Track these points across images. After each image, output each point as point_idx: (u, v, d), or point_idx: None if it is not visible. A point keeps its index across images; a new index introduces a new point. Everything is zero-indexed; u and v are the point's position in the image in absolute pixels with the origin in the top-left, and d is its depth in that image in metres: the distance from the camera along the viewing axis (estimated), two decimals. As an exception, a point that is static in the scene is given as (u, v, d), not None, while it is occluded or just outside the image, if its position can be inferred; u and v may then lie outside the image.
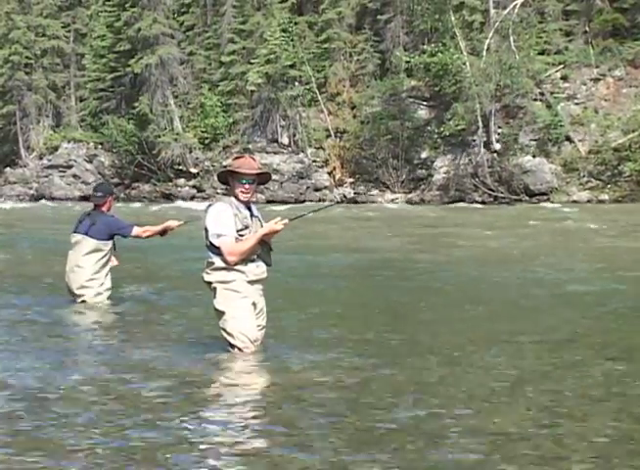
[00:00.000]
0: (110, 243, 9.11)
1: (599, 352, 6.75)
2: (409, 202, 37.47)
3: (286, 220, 6.15)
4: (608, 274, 12.30)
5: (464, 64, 36.41)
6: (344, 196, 39.61)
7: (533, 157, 35.77)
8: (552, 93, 37.02)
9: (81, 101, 50.97)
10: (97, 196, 9.22)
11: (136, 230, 9.12)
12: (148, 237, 9.24)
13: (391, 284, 11.60)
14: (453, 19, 37.13)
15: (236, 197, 6.19)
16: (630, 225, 22.17)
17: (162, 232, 9.16)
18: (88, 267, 9.02)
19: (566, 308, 9.16)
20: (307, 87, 42.31)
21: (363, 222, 26.03)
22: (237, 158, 6.33)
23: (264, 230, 6.10)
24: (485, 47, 36.74)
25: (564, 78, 37.80)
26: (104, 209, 9.18)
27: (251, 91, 43.17)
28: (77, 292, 9.05)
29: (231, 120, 44.56)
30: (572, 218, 25.11)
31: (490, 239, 19.17)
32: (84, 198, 43.95)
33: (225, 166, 6.38)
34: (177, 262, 14.28)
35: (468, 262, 14.30)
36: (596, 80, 37.51)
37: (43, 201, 45.63)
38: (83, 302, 9.04)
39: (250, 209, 6.26)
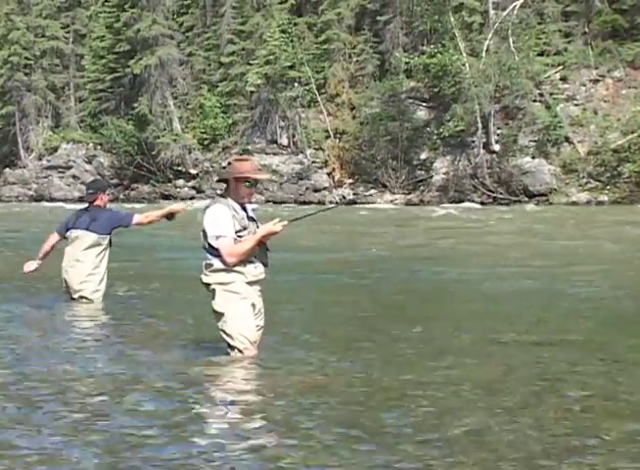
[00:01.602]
0: (108, 237, 9.13)
1: (592, 352, 6.75)
2: (408, 203, 37.48)
3: (285, 222, 6.14)
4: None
5: (463, 65, 36.45)
6: (344, 197, 39.64)
7: (533, 158, 35.80)
8: (551, 94, 37.04)
9: (81, 102, 50.99)
10: (88, 193, 9.33)
11: (137, 218, 9.16)
12: (151, 222, 9.26)
13: (377, 284, 11.61)
14: (452, 20, 37.17)
15: (234, 198, 6.17)
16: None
17: (169, 216, 9.11)
18: (88, 262, 9.02)
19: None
20: (307, 88, 42.35)
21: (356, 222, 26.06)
22: (240, 160, 6.30)
23: (263, 231, 6.09)
24: (485, 48, 36.78)
25: (563, 79, 37.84)
26: (99, 204, 9.20)
27: (251, 92, 43.21)
28: (77, 287, 9.03)
29: (230, 121, 44.60)
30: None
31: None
32: (83, 199, 43.87)
33: (227, 167, 6.28)
34: (174, 262, 14.28)
35: (450, 261, 14.41)
36: (595, 81, 37.55)
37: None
38: (81, 298, 9.02)
39: (245, 210, 6.25)
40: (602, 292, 10.56)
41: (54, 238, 9.28)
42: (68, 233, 9.16)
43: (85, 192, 9.49)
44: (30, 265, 9.29)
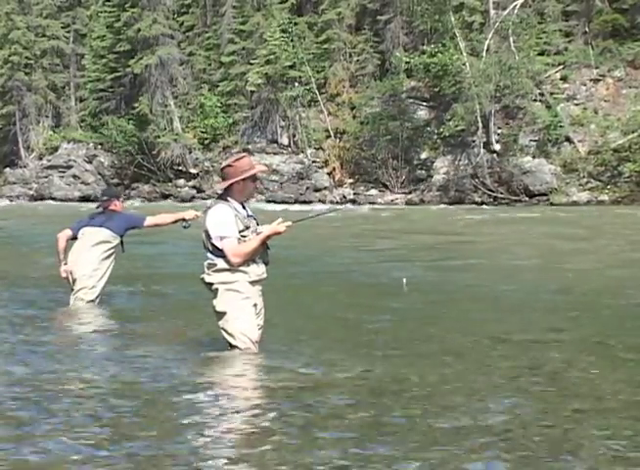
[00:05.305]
0: (118, 238, 9.16)
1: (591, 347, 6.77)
2: (409, 202, 37.47)
3: (289, 222, 6.15)
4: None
5: (464, 64, 36.43)
6: (344, 196, 39.62)
7: (533, 157, 35.78)
8: (552, 94, 37.02)
9: (81, 101, 51.01)
10: (102, 200, 9.45)
11: (149, 220, 9.24)
12: (162, 225, 9.28)
13: (371, 284, 11.63)
14: (453, 19, 37.15)
15: (237, 198, 6.18)
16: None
17: (183, 223, 9.06)
18: (94, 257, 9.04)
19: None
20: (307, 88, 42.32)
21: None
22: (239, 159, 6.25)
23: (268, 232, 6.11)
24: (485, 48, 36.75)
25: (563, 79, 37.82)
26: (114, 209, 9.28)
27: (251, 92, 43.19)
28: (77, 278, 9.04)
29: (231, 121, 44.59)
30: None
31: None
32: (84, 198, 44.09)
33: (229, 169, 6.24)
34: (173, 262, 14.29)
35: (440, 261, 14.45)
36: (596, 81, 37.53)
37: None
38: (81, 289, 9.03)
39: (244, 207, 6.27)
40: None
41: (65, 234, 9.27)
42: (80, 232, 9.20)
43: (100, 198, 9.63)
44: (63, 272, 9.25)
